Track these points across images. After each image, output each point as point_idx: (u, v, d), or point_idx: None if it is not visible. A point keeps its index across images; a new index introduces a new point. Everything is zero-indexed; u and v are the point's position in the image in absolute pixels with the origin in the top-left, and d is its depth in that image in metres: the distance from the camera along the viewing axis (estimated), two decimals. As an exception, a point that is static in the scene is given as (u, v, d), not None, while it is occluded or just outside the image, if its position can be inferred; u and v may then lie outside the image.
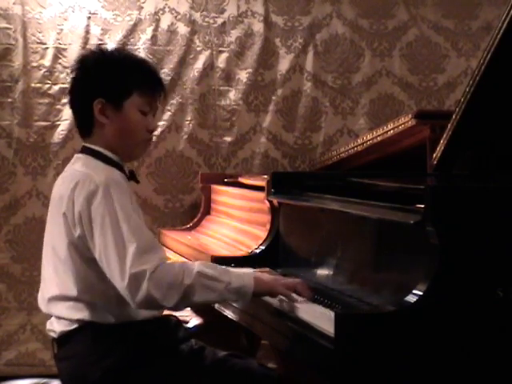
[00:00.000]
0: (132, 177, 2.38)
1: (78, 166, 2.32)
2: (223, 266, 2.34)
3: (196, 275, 2.17)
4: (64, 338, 2.29)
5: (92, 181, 2.20)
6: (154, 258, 2.14)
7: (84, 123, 2.37)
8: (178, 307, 2.22)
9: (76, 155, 2.39)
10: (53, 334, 2.33)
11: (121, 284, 2.13)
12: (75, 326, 2.26)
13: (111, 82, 2.33)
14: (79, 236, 2.21)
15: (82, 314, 2.24)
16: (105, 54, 2.43)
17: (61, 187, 2.31)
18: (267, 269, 2.63)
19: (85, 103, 2.33)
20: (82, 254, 2.23)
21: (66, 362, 2.30)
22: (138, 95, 2.34)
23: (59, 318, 2.29)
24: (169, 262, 2.21)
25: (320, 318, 2.10)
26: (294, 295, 2.29)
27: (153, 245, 2.19)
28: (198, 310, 3.39)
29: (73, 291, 2.24)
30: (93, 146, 2.34)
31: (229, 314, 2.66)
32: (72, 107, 2.41)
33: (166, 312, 2.39)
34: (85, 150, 2.36)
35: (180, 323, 2.44)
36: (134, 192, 2.74)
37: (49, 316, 2.37)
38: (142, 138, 2.38)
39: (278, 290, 2.29)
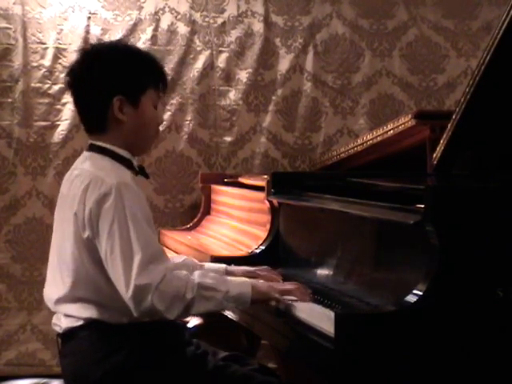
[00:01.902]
0: (141, 172, 2.35)
1: (88, 165, 2.27)
2: (222, 276, 2.35)
3: (197, 287, 2.17)
4: (69, 333, 2.27)
5: (104, 183, 2.17)
6: (159, 270, 2.13)
7: (97, 120, 2.30)
8: (179, 318, 2.23)
9: (84, 153, 2.34)
10: (58, 329, 2.31)
11: (125, 294, 2.12)
12: (82, 322, 2.24)
13: (131, 78, 2.29)
14: (88, 237, 2.19)
15: (90, 312, 2.23)
16: (119, 48, 2.38)
17: (72, 186, 2.26)
18: (265, 266, 2.62)
19: (103, 100, 2.26)
20: (90, 255, 2.20)
21: (69, 358, 2.28)
22: (152, 90, 2.32)
23: (67, 315, 2.27)
24: (172, 272, 2.19)
25: (320, 318, 2.10)
26: (290, 297, 2.30)
27: (159, 255, 2.18)
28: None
29: (80, 292, 2.23)
30: (102, 144, 2.29)
31: (229, 314, 2.66)
32: (82, 103, 2.33)
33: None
34: (93, 148, 2.31)
35: (186, 326, 2.43)
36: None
37: (52, 315, 2.35)
38: (154, 132, 2.37)
39: (275, 297, 2.30)
